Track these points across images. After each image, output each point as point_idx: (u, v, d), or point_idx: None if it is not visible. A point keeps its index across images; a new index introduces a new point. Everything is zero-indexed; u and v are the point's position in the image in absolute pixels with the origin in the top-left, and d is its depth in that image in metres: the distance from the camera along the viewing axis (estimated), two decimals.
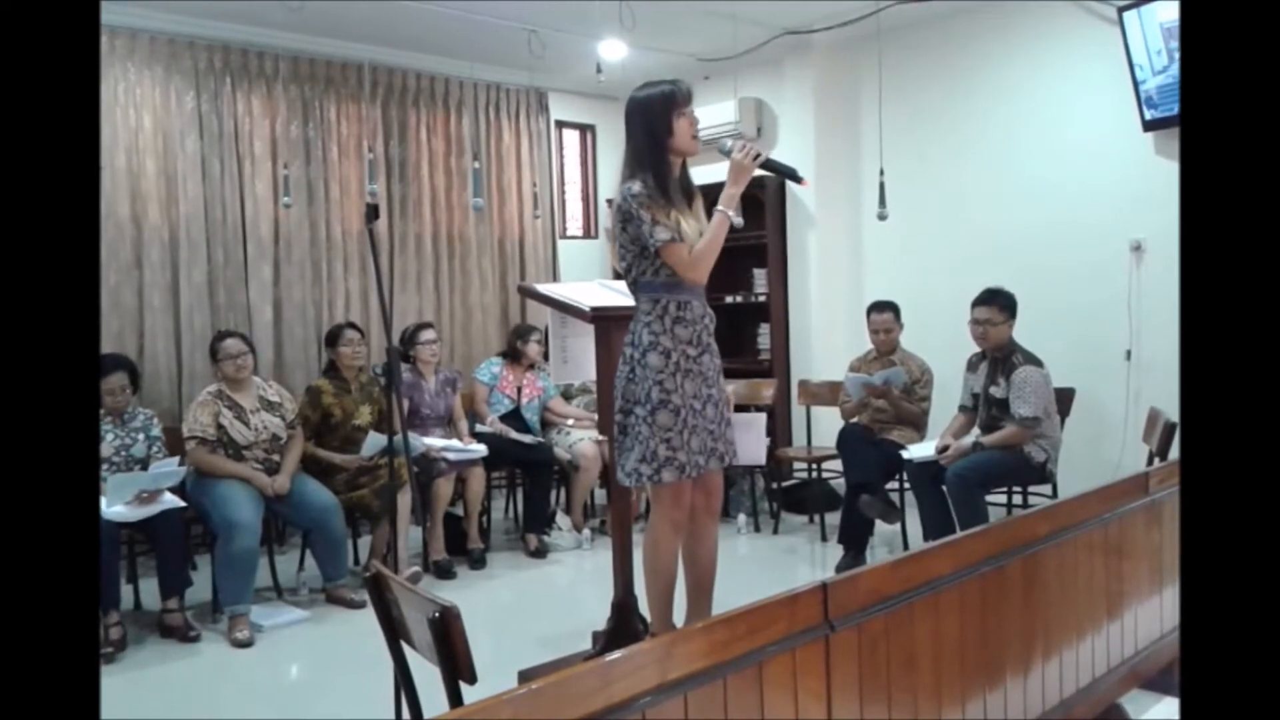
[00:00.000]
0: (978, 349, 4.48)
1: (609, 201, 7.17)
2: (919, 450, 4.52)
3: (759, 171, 2.86)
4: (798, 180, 2.92)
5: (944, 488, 4.27)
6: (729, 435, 2.93)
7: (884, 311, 5.00)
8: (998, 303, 4.33)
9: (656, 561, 2.93)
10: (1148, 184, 4.76)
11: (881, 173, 4.99)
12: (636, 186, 2.77)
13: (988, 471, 4.22)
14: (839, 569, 4.44)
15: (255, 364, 4.48)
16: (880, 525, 4.72)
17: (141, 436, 4.20)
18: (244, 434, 4.25)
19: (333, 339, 4.86)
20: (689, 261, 2.76)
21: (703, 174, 3.20)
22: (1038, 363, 4.28)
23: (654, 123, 2.81)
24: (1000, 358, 4.34)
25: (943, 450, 4.35)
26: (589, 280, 4.00)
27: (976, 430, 4.47)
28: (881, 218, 4.93)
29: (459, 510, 5.01)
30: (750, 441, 3.35)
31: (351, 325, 4.89)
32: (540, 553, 5.06)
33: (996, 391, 4.33)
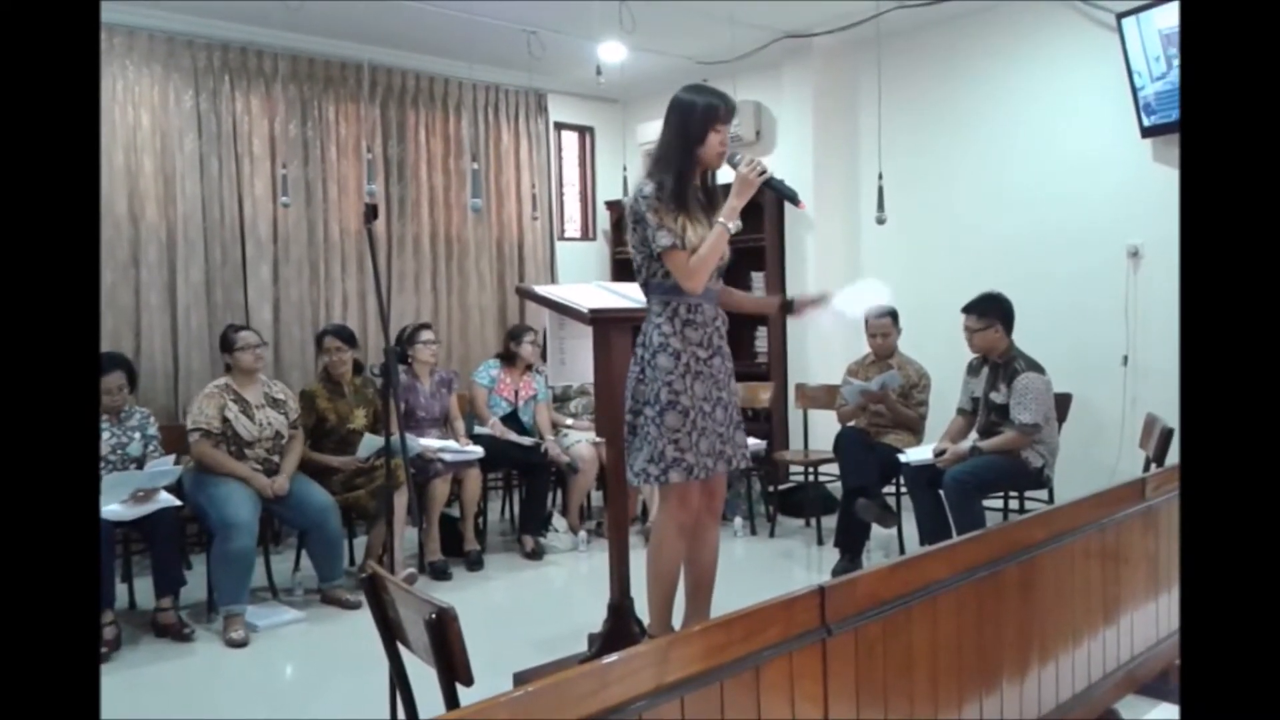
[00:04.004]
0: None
1: (608, 204, 7.18)
2: (916, 454, 4.52)
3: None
4: (795, 203, 2.93)
5: (941, 492, 4.28)
6: (738, 438, 2.94)
7: (882, 316, 4.99)
8: (977, 310, 4.34)
9: (660, 564, 2.93)
10: (1145, 190, 4.77)
11: (880, 176, 5.00)
12: (648, 188, 2.79)
13: (985, 476, 4.21)
14: (835, 573, 4.44)
15: None
16: (877, 529, 4.72)
17: (138, 435, 4.19)
18: (248, 429, 4.23)
19: (317, 344, 4.84)
20: (688, 270, 2.76)
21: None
22: (1040, 369, 4.27)
23: (689, 128, 2.83)
24: (1002, 363, 4.34)
25: (940, 454, 4.35)
26: (587, 282, 4.00)
27: (974, 434, 4.47)
28: (880, 222, 4.94)
29: (455, 511, 5.01)
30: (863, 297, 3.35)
31: (335, 332, 4.76)
32: (536, 554, 5.06)
33: (997, 397, 4.32)
